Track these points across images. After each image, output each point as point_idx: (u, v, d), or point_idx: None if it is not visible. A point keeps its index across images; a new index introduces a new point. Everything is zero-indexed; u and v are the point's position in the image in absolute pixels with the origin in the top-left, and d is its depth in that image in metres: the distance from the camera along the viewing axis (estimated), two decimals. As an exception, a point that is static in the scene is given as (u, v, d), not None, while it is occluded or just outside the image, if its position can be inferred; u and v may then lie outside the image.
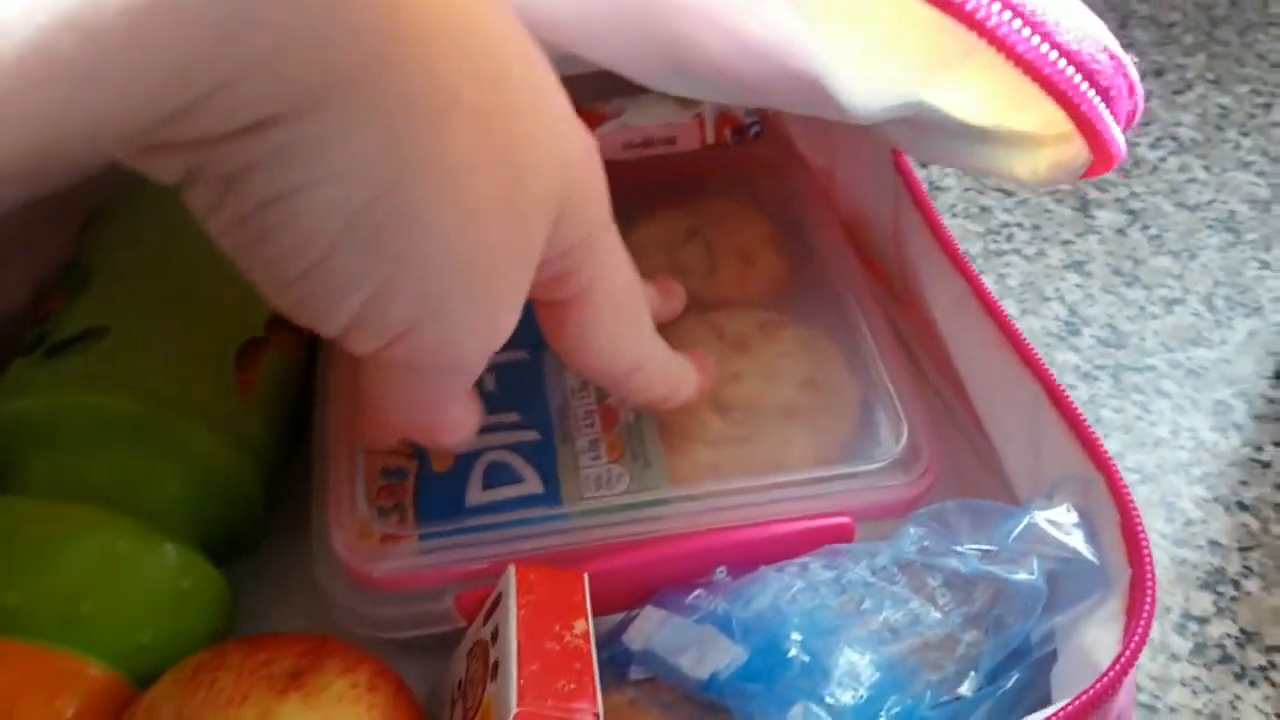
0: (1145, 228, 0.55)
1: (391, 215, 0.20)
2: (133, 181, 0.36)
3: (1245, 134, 0.61)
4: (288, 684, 0.26)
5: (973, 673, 0.27)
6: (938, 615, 0.28)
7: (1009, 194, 0.57)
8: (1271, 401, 0.46)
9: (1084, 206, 0.57)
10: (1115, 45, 0.26)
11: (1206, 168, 0.59)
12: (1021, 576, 0.27)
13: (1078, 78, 0.25)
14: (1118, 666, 0.25)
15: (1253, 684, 0.37)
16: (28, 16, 0.14)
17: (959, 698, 0.27)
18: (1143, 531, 0.27)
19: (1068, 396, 0.30)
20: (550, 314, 0.28)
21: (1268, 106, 0.63)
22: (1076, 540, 0.28)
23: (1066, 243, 0.55)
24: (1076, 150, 0.27)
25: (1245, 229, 0.55)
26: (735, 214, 0.41)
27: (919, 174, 0.38)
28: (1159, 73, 0.66)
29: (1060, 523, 0.28)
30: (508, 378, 0.36)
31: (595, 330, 0.28)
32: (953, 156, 0.30)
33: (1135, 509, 0.27)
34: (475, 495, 0.32)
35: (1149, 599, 0.26)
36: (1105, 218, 0.56)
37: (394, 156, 0.20)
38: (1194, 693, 0.37)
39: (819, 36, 0.26)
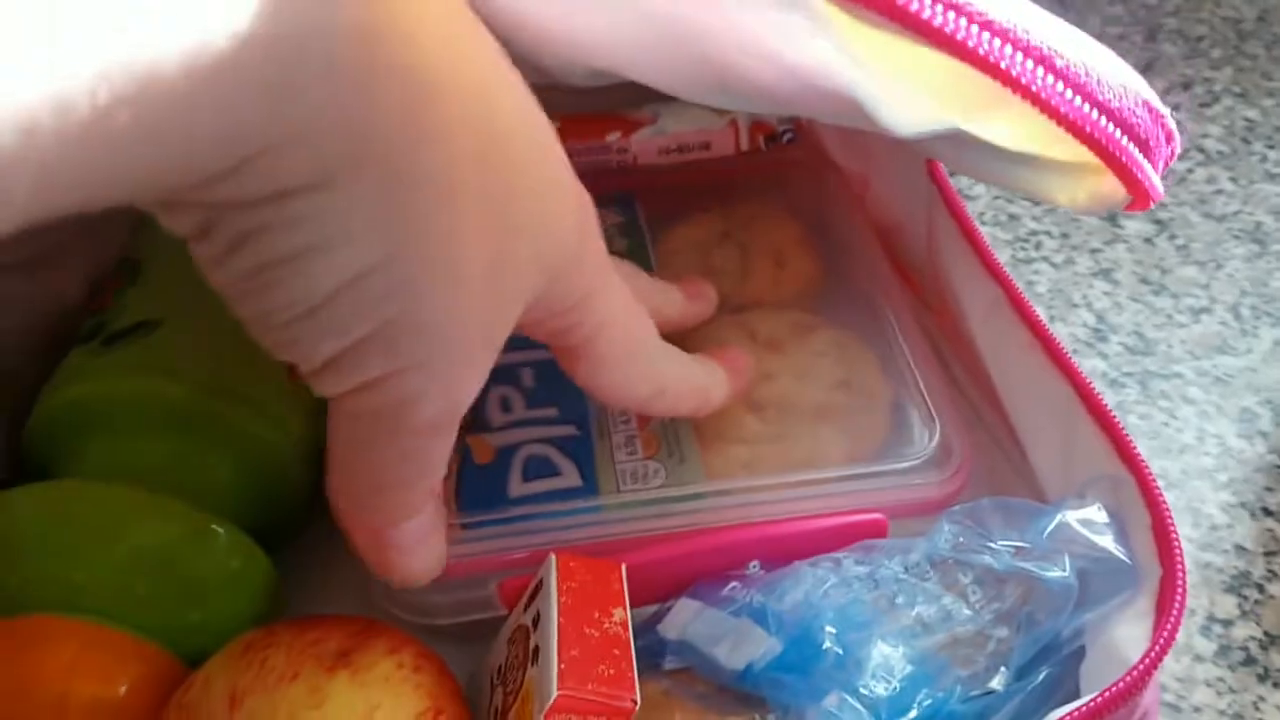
0: (1173, 237, 0.56)
1: (386, 280, 0.21)
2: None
3: (1271, 147, 0.61)
4: (336, 662, 0.26)
5: (1003, 668, 0.27)
6: (969, 612, 0.28)
7: (1037, 202, 0.58)
8: (1297, 410, 0.46)
9: (1112, 216, 0.57)
10: (1153, 96, 0.26)
11: (1233, 179, 0.59)
12: (1054, 574, 0.28)
13: (1118, 133, 0.26)
14: (1147, 661, 0.25)
15: (1276, 685, 0.37)
16: (90, 97, 0.15)
17: (989, 692, 0.27)
18: (1174, 531, 0.27)
19: (1100, 398, 0.31)
20: (563, 357, 0.29)
21: (1295, 120, 0.63)
22: (1107, 540, 0.28)
23: (1095, 251, 0.55)
24: (1115, 185, 0.27)
25: (1271, 240, 0.55)
26: (768, 217, 0.42)
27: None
28: (1186, 85, 0.66)
29: (1092, 522, 0.29)
30: (545, 374, 0.36)
31: (607, 372, 0.29)
32: (993, 174, 0.30)
33: (1167, 509, 0.28)
34: (516, 487, 0.33)
35: (1179, 597, 0.26)
36: (1133, 227, 0.56)
37: (400, 229, 0.20)
38: (1218, 693, 0.37)
39: (862, 75, 0.27)
